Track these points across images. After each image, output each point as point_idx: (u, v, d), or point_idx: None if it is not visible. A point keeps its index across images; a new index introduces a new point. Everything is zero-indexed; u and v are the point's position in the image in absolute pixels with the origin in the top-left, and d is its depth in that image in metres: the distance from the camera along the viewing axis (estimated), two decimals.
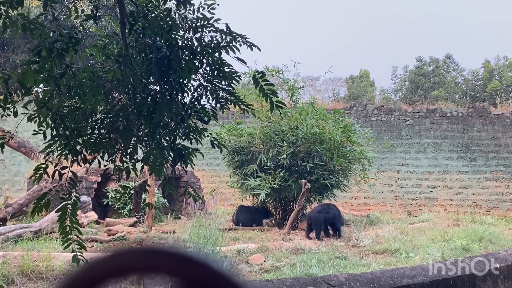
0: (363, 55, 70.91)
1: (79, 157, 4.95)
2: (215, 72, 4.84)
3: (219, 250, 8.98)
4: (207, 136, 5.33)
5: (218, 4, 4.99)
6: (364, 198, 19.95)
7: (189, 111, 4.91)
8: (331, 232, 12.20)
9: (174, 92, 4.77)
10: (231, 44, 4.76)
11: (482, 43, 66.28)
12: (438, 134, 20.06)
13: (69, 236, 4.75)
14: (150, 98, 4.84)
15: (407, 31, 71.09)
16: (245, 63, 4.80)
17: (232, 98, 4.97)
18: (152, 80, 4.89)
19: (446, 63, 40.98)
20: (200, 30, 4.83)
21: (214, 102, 4.97)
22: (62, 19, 5.50)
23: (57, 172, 4.75)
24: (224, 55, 4.80)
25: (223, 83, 4.89)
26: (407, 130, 20.49)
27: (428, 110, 20.55)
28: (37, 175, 4.84)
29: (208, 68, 4.86)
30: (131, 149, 5.13)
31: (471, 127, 19.73)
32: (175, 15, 4.96)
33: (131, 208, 13.66)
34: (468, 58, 69.31)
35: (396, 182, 20.18)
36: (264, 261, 8.62)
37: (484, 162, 19.34)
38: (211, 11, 4.93)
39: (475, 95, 35.76)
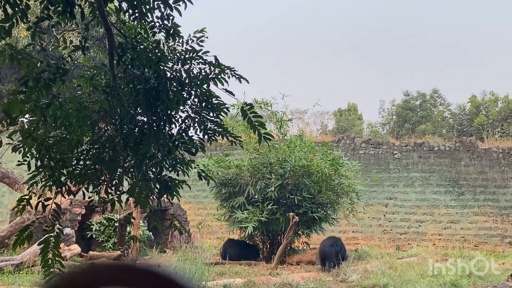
0: (351, 88, 71.74)
1: (64, 188, 4.87)
2: (203, 104, 4.83)
3: (205, 285, 8.81)
4: (194, 167, 5.27)
5: (207, 37, 5.02)
6: (353, 232, 19.83)
7: (177, 143, 4.86)
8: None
9: (162, 123, 4.74)
10: (219, 76, 4.76)
11: (468, 78, 67.47)
12: (426, 168, 20.14)
13: (51, 270, 4.63)
14: (137, 129, 4.80)
15: (394, 65, 72.16)
16: (233, 95, 4.79)
17: (220, 129, 4.95)
18: (139, 111, 4.86)
19: (433, 98, 41.53)
20: (188, 62, 4.84)
21: (202, 133, 4.94)
22: (50, 49, 5.49)
23: (40, 204, 4.66)
24: (212, 87, 4.80)
25: (211, 114, 4.88)
26: (395, 163, 20.55)
27: (415, 144, 20.67)
28: (20, 206, 4.74)
29: (196, 100, 4.84)
30: (116, 180, 5.06)
31: (458, 162, 19.84)
32: (164, 47, 4.96)
33: (116, 241, 13.41)
34: (454, 93, 70.24)
35: (384, 216, 20.11)
36: None
37: (472, 197, 19.38)
38: (200, 43, 4.95)
39: (462, 130, 36.14)
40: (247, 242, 14.42)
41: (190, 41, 4.93)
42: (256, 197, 13.25)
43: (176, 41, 4.97)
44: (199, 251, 11.53)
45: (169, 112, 4.74)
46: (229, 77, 4.78)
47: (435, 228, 19.46)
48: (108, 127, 5.00)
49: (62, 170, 4.76)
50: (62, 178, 4.80)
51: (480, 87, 73.64)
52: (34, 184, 4.81)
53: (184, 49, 4.90)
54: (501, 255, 17.13)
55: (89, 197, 5.21)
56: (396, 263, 12.29)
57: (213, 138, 5.01)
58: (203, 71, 4.81)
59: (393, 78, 70.43)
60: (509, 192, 19.11)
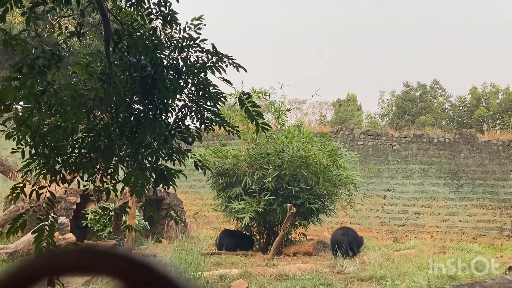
0: (350, 79, 71.59)
1: (58, 176, 4.79)
2: (200, 93, 4.74)
3: (200, 275, 8.77)
4: (191, 157, 5.20)
5: (204, 25, 4.93)
6: (350, 223, 19.76)
7: (173, 132, 4.78)
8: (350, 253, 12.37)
9: (158, 112, 4.65)
10: (217, 65, 4.67)
11: (469, 70, 67.32)
12: (425, 160, 20.10)
13: None
14: (133, 117, 4.72)
15: (394, 56, 71.94)
16: (231, 84, 4.71)
17: (217, 119, 4.86)
18: (135, 99, 4.77)
19: (433, 89, 41.40)
20: (186, 49, 4.75)
21: (198, 122, 4.85)
22: (45, 35, 5.39)
23: (34, 192, 4.59)
24: (209, 76, 4.71)
25: (208, 103, 4.79)
26: (394, 155, 20.51)
27: (415, 135, 20.63)
28: (14, 194, 4.67)
29: (193, 88, 4.76)
30: (112, 169, 4.98)
31: (458, 154, 19.81)
32: (160, 34, 4.87)
33: (111, 230, 13.35)
34: (455, 84, 70.19)
35: (382, 207, 20.10)
36: (247, 287, 8.43)
37: (471, 189, 19.36)
38: (198, 31, 4.86)
39: (462, 122, 36.05)
40: (243, 232, 14.40)
41: (187, 29, 4.84)
42: (253, 187, 13.20)
43: (173, 28, 4.88)
44: (195, 241, 11.49)
45: (165, 100, 4.66)
46: (226, 65, 4.69)
47: (433, 220, 19.46)
48: (104, 115, 4.91)
49: (56, 158, 4.68)
50: (57, 166, 4.72)
51: (481, 79, 73.55)
52: (28, 172, 4.73)
53: (181, 37, 4.81)
54: (499, 248, 17.15)
55: (84, 186, 5.14)
56: (393, 255, 12.29)
57: (210, 127, 4.93)
58: (200, 59, 4.72)
59: (393, 68, 70.31)
60: (509, 185, 19.11)
